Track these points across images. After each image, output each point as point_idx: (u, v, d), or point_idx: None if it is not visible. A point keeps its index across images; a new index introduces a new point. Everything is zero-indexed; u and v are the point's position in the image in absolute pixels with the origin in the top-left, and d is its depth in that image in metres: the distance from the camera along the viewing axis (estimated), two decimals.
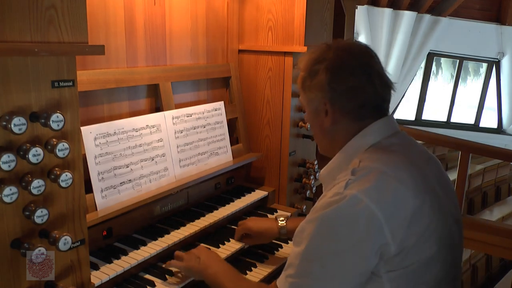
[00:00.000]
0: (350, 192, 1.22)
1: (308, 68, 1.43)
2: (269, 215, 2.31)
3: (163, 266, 1.75)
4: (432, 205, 1.28)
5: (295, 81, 2.38)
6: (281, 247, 2.09)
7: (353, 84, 1.36)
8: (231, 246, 1.98)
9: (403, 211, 1.22)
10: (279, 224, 1.95)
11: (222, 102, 2.34)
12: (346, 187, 1.24)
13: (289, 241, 2.12)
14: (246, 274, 1.87)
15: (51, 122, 1.18)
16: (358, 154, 1.36)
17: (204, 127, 2.23)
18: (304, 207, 2.53)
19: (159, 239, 1.85)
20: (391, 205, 1.22)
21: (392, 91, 1.43)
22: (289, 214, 2.34)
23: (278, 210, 2.39)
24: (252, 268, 1.92)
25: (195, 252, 1.73)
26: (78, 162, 1.34)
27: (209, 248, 1.94)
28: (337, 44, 1.45)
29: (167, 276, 1.71)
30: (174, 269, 1.74)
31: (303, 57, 1.48)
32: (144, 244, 1.80)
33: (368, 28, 7.07)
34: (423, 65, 8.06)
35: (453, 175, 4.72)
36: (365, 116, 1.39)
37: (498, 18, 7.98)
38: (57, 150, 1.21)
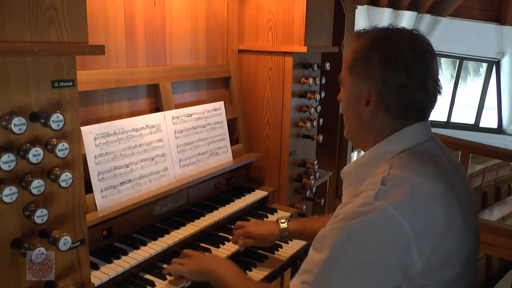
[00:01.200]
0: (381, 204, 1.15)
1: (363, 51, 1.31)
2: (269, 215, 2.31)
3: (164, 273, 1.71)
4: (461, 224, 1.22)
5: (295, 81, 2.40)
6: (281, 247, 2.09)
7: (405, 82, 1.26)
8: (231, 246, 1.98)
9: (433, 229, 1.17)
10: (281, 227, 1.91)
11: (222, 102, 2.34)
12: (376, 198, 1.16)
13: (289, 241, 2.11)
14: (246, 274, 1.87)
15: (51, 122, 1.18)
16: (389, 158, 1.28)
17: (204, 127, 2.23)
18: (304, 207, 2.53)
19: (159, 239, 1.85)
20: (422, 222, 1.15)
21: (438, 96, 1.34)
22: (289, 214, 2.35)
23: (278, 210, 2.39)
24: (252, 268, 1.92)
25: (197, 255, 1.70)
26: (78, 162, 1.34)
27: (209, 248, 1.94)
28: (399, 32, 1.33)
29: (167, 276, 1.71)
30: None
31: (360, 34, 1.36)
32: (144, 244, 1.80)
33: None
34: None
35: None
36: (406, 117, 1.31)
37: (498, 18, 7.99)
38: (57, 150, 1.21)
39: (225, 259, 1.71)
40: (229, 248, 1.97)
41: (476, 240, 1.33)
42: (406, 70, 1.26)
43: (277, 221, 1.95)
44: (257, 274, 1.89)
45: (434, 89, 1.31)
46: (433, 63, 1.31)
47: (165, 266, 1.77)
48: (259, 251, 2.04)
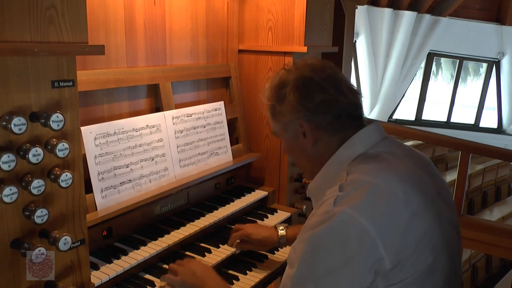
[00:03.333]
0: (340, 209, 1.18)
1: (275, 95, 1.41)
2: (269, 215, 2.31)
3: (152, 279, 1.70)
4: (426, 213, 1.24)
5: None
6: (281, 247, 2.08)
7: (323, 97, 1.34)
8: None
9: (396, 223, 1.18)
10: (279, 233, 1.91)
11: (222, 102, 2.34)
12: (335, 204, 1.20)
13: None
14: (246, 274, 1.87)
15: (51, 122, 1.18)
16: (345, 166, 1.32)
17: (204, 127, 2.23)
18: (304, 207, 2.53)
19: (159, 239, 1.85)
20: (383, 219, 1.18)
21: (361, 97, 1.42)
22: (289, 214, 2.35)
23: (278, 210, 2.39)
24: (252, 268, 1.92)
25: (190, 266, 1.66)
26: (78, 162, 1.34)
27: (209, 248, 1.94)
28: (295, 65, 1.44)
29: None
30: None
31: (264, 88, 1.47)
32: (144, 244, 1.80)
33: (368, 28, 7.08)
34: (423, 65, 8.07)
35: (453, 175, 4.72)
36: (344, 127, 1.37)
37: (498, 18, 8.00)
38: (57, 150, 1.21)
39: (215, 274, 1.67)
40: (229, 248, 1.96)
41: (450, 228, 1.33)
42: (318, 87, 1.35)
43: (275, 227, 1.93)
44: (257, 274, 1.89)
45: (351, 92, 1.39)
46: (337, 72, 1.41)
47: (165, 266, 1.77)
48: (259, 251, 2.04)
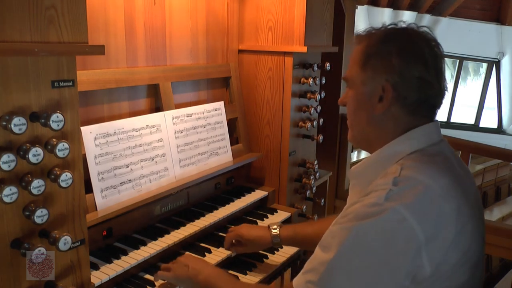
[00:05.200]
0: (392, 205, 1.11)
1: (377, 45, 1.28)
2: (269, 215, 2.31)
3: (154, 280, 1.68)
4: (471, 230, 1.20)
5: (295, 81, 2.40)
6: (281, 247, 2.08)
7: (423, 75, 1.24)
8: None
9: (444, 234, 1.13)
10: (272, 232, 1.87)
11: (222, 102, 2.34)
12: (387, 199, 1.13)
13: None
14: (246, 274, 1.87)
15: (51, 122, 1.18)
16: (399, 159, 1.25)
17: (204, 127, 2.23)
18: (304, 207, 2.53)
19: (159, 239, 1.85)
20: (433, 226, 1.12)
21: (445, 92, 1.34)
22: (289, 214, 2.35)
23: (278, 210, 2.39)
24: (252, 269, 1.92)
25: (182, 260, 1.63)
26: (78, 162, 1.34)
27: (209, 248, 1.94)
28: (411, 28, 1.32)
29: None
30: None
31: (370, 31, 1.34)
32: (144, 244, 1.80)
33: None
34: None
35: None
36: (420, 113, 1.28)
37: (498, 18, 7.99)
38: (57, 150, 1.21)
39: (208, 263, 1.65)
40: None
41: (483, 246, 1.31)
42: (423, 63, 1.24)
43: (268, 227, 1.90)
44: (257, 274, 1.89)
45: (444, 86, 1.31)
46: (443, 59, 1.31)
47: (154, 278, 1.70)
48: (259, 251, 2.04)
